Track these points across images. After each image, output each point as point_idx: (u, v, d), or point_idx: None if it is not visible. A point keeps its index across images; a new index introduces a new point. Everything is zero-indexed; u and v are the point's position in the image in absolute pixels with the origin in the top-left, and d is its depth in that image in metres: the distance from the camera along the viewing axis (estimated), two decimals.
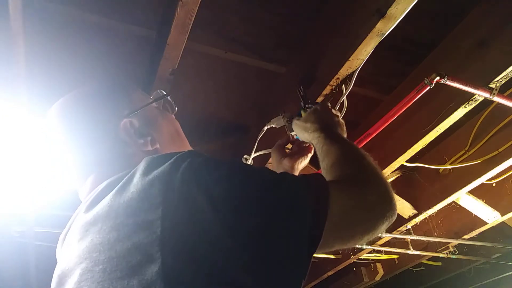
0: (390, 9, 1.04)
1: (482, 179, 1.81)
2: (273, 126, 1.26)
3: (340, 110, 1.24)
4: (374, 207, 0.70)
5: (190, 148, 0.87)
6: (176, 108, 0.94)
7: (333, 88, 1.30)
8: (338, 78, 1.26)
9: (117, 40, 1.42)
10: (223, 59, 1.53)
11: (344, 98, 1.25)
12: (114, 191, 0.64)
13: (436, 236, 2.38)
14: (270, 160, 1.41)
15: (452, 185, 1.93)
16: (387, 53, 1.52)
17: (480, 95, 1.25)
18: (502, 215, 2.08)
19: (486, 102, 1.35)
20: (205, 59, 1.54)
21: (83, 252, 0.61)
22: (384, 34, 1.11)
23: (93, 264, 0.58)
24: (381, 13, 1.06)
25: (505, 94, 1.46)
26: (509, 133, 1.70)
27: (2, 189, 1.79)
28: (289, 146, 1.24)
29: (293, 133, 1.17)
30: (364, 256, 2.67)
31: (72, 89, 0.85)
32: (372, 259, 2.88)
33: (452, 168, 1.91)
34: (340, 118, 1.07)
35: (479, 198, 2.09)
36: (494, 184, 2.02)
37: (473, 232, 2.27)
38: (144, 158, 0.66)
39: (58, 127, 0.82)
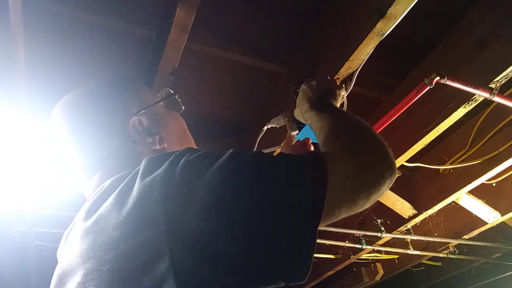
0: (390, 9, 1.04)
1: (482, 179, 1.81)
2: (273, 126, 1.26)
3: None
4: (374, 168, 0.69)
5: (196, 147, 0.87)
6: (183, 107, 0.93)
7: None
8: (338, 78, 1.26)
9: (117, 40, 1.42)
10: (223, 59, 1.53)
11: (344, 98, 1.25)
12: (117, 190, 0.63)
13: (436, 236, 2.37)
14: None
15: (452, 185, 1.93)
16: (387, 53, 1.52)
17: (480, 95, 1.25)
18: (502, 215, 2.07)
19: (486, 102, 1.34)
20: (205, 59, 1.54)
21: (86, 252, 0.61)
22: (384, 34, 1.11)
23: (99, 263, 0.57)
24: (381, 13, 1.06)
25: (505, 94, 1.46)
26: (509, 133, 1.70)
27: (2, 189, 1.79)
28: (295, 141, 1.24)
29: (293, 133, 1.17)
30: (364, 256, 2.66)
31: (71, 89, 0.84)
32: (372, 259, 2.87)
33: (452, 168, 1.91)
34: (333, 84, 1.06)
35: (479, 198, 2.09)
36: (494, 184, 2.02)
37: (473, 232, 2.26)
38: (144, 158, 0.65)
39: (64, 124, 0.80)
